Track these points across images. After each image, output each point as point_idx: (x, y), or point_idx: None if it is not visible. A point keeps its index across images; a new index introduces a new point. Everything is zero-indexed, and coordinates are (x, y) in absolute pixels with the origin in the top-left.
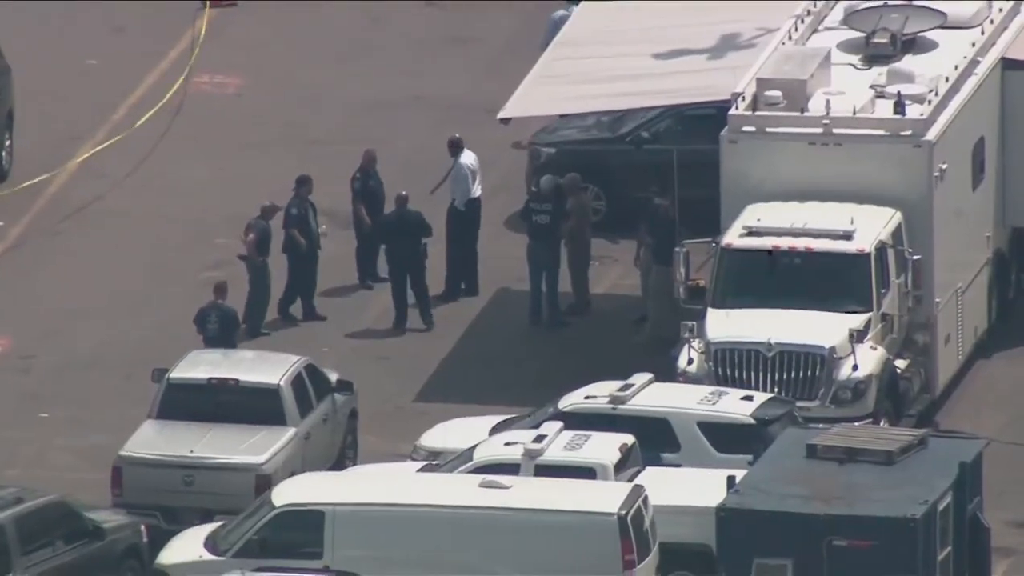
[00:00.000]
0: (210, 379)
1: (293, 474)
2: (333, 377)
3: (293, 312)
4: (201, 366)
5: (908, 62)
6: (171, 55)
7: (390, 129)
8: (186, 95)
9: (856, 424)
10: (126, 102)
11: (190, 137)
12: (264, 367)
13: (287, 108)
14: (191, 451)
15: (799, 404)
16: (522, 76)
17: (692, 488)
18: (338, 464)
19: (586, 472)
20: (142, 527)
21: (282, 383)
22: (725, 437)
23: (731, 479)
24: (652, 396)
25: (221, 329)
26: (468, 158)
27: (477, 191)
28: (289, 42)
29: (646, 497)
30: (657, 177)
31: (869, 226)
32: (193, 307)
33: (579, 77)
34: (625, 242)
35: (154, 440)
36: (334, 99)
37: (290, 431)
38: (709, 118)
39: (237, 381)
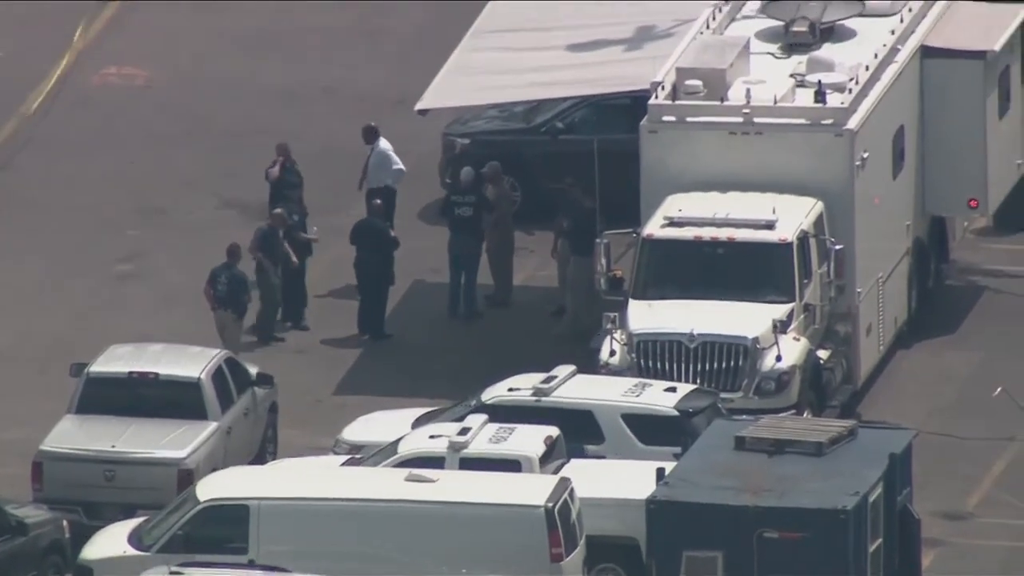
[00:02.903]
0: (130, 373)
1: (215, 468)
2: (253, 371)
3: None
4: (120, 360)
5: (828, 51)
6: (78, 46)
7: (301, 120)
8: (93, 86)
9: (783, 415)
10: (34, 94)
11: (99, 129)
12: (184, 360)
13: (197, 100)
14: (112, 446)
15: (723, 395)
16: (431, 68)
17: (618, 480)
18: (259, 458)
19: (511, 465)
20: (64, 523)
21: (203, 376)
22: (649, 429)
23: (660, 471)
24: (576, 388)
25: (230, 291)
26: (384, 144)
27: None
28: (197, 33)
29: (573, 490)
30: (573, 167)
31: (791, 215)
32: (107, 299)
33: (497, 67)
34: (541, 233)
35: (75, 435)
36: (244, 90)
37: (212, 425)
38: (624, 108)
39: (157, 375)
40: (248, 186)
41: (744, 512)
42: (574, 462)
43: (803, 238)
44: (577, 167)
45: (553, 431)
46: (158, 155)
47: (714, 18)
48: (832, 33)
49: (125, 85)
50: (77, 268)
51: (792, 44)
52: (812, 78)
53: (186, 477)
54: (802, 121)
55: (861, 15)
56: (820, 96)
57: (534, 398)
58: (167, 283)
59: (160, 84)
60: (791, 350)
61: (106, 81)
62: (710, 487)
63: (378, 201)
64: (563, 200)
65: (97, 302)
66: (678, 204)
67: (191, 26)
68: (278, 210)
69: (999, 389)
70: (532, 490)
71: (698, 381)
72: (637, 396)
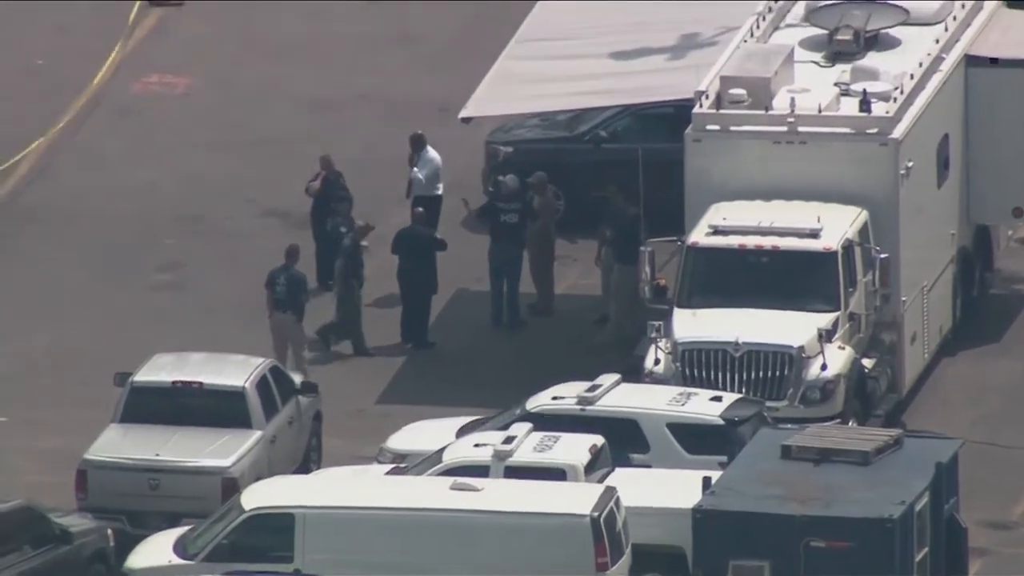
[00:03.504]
0: (174, 382)
1: (259, 477)
2: (297, 379)
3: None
4: (164, 369)
5: (872, 59)
6: (117, 55)
7: (338, 128)
8: (134, 95)
9: (829, 424)
10: (76, 102)
11: (139, 137)
12: (228, 369)
13: (235, 107)
14: (157, 454)
15: (768, 404)
16: (467, 74)
17: (664, 489)
18: (303, 467)
19: (557, 474)
20: (109, 531)
21: (247, 385)
22: (695, 438)
23: (707, 480)
24: (620, 397)
25: (288, 292)
26: (432, 153)
27: (440, 188)
28: (234, 41)
29: (618, 498)
30: (616, 176)
31: (836, 224)
32: (146, 308)
33: (541, 76)
34: (583, 242)
35: (119, 444)
36: (281, 98)
37: (256, 434)
38: (667, 117)
39: (202, 384)
40: (287, 194)
41: (791, 521)
42: (619, 471)
43: (848, 247)
44: (620, 176)
45: (598, 440)
46: (196, 162)
47: (758, 26)
48: (876, 41)
49: (165, 93)
50: (116, 278)
51: (836, 53)
52: (856, 87)
53: (230, 486)
54: (847, 130)
55: (905, 23)
56: (865, 105)
57: (579, 407)
58: (206, 292)
59: (198, 92)
60: (836, 359)
61: (147, 89)
62: (756, 496)
63: (420, 209)
64: (606, 208)
65: (136, 312)
66: (723, 212)
67: (228, 34)
68: (361, 223)
69: None
70: (578, 499)
71: (743, 390)
72: (682, 405)
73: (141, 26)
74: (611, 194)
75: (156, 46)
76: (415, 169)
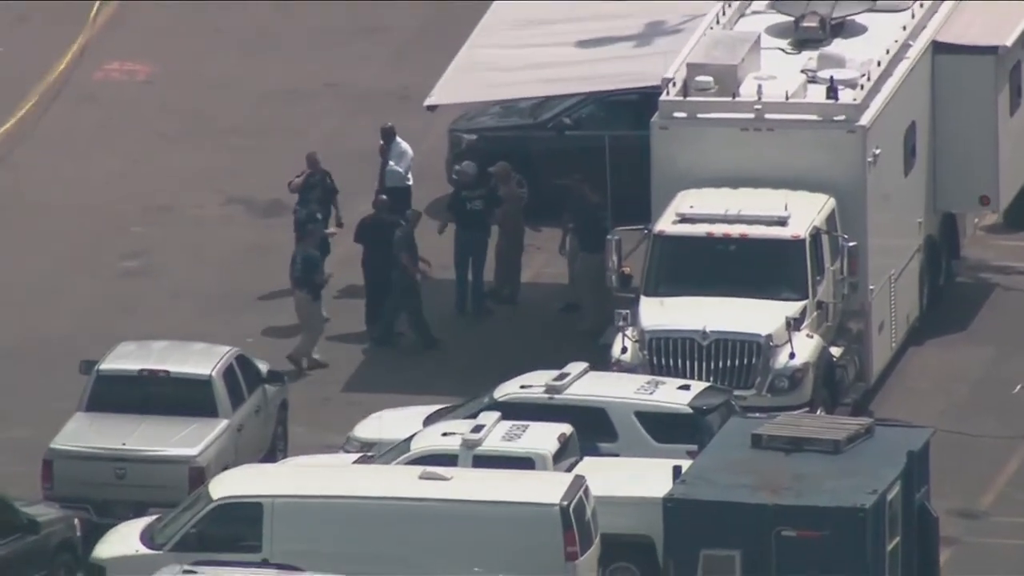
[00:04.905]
0: (141, 370)
1: (226, 466)
2: (264, 368)
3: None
4: (130, 357)
5: (838, 46)
6: (79, 42)
7: (304, 117)
8: (95, 82)
9: (799, 413)
10: (36, 90)
11: (103, 125)
12: (195, 358)
13: (198, 96)
14: (123, 443)
15: (736, 393)
16: (432, 63)
17: (633, 478)
18: (270, 456)
19: (525, 462)
20: (75, 521)
21: (214, 374)
22: (663, 426)
23: (677, 469)
24: (588, 385)
25: (303, 271)
26: (404, 145)
27: (410, 178)
28: (197, 29)
29: (587, 487)
30: (579, 164)
31: (803, 212)
32: (112, 296)
33: (506, 64)
34: (548, 230)
35: (85, 433)
36: (245, 87)
37: (223, 422)
38: (631, 104)
39: (168, 372)
40: (253, 182)
41: (762, 511)
42: (588, 460)
43: (816, 235)
44: (584, 163)
45: (567, 429)
46: (162, 151)
47: (724, 13)
48: (843, 28)
49: (127, 80)
50: (82, 266)
51: (803, 40)
52: (823, 74)
53: (197, 475)
54: (814, 117)
55: (872, 10)
56: (832, 92)
57: (547, 395)
58: (173, 280)
59: (162, 80)
60: (804, 347)
61: (108, 76)
62: (728, 485)
63: (384, 196)
64: (568, 197)
65: (102, 300)
66: (690, 200)
67: (191, 22)
68: (412, 209)
69: (1020, 387)
70: (547, 488)
71: (711, 379)
72: (650, 394)
73: (102, 14)
74: (573, 183)
75: (117, 34)
76: (391, 163)
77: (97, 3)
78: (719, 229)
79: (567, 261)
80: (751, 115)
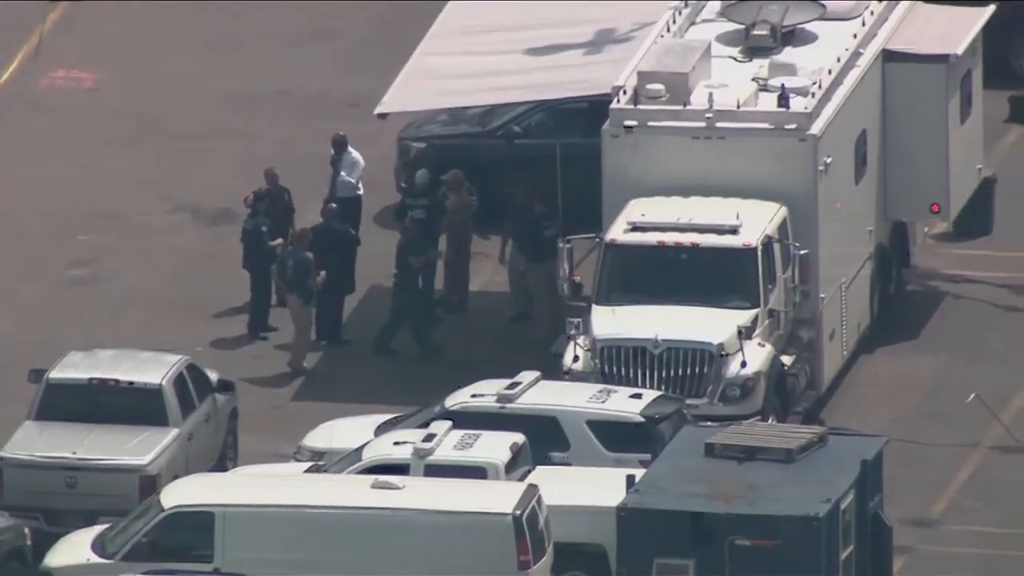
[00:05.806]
0: (91, 379)
1: (176, 475)
2: (214, 377)
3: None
4: (80, 366)
5: (789, 54)
6: (24, 49)
7: (254, 123)
8: (41, 89)
9: (750, 422)
10: None
11: (49, 133)
12: (145, 367)
13: (146, 102)
14: (73, 452)
15: (687, 402)
16: (383, 70)
17: (585, 487)
18: (220, 465)
19: (477, 472)
20: (25, 530)
21: (164, 383)
22: (614, 435)
23: (631, 478)
24: (540, 394)
25: (296, 274)
26: (356, 155)
27: (360, 188)
28: (145, 35)
29: (540, 497)
30: (528, 172)
31: (755, 221)
32: (60, 304)
33: (457, 71)
34: (496, 238)
35: (35, 441)
36: (195, 93)
37: (173, 431)
38: (581, 112)
39: (118, 381)
40: (201, 190)
41: (715, 519)
42: (540, 469)
43: (767, 243)
44: (533, 171)
45: (519, 438)
46: (108, 158)
47: (674, 21)
48: (793, 37)
49: (73, 88)
50: (28, 274)
51: (753, 48)
52: (775, 82)
53: (148, 484)
54: (765, 126)
55: (822, 18)
56: (783, 100)
57: (498, 404)
58: (120, 288)
59: (109, 87)
60: (756, 356)
61: (53, 84)
62: (681, 494)
63: (333, 204)
64: (511, 205)
65: (50, 308)
66: (641, 209)
67: (140, 29)
68: (409, 220)
69: (972, 395)
70: (500, 497)
71: (663, 387)
72: (602, 402)
73: (47, 21)
74: (519, 191)
75: (61, 41)
76: (342, 172)
77: (49, 2)
78: (670, 238)
79: (508, 270)
80: (702, 123)
